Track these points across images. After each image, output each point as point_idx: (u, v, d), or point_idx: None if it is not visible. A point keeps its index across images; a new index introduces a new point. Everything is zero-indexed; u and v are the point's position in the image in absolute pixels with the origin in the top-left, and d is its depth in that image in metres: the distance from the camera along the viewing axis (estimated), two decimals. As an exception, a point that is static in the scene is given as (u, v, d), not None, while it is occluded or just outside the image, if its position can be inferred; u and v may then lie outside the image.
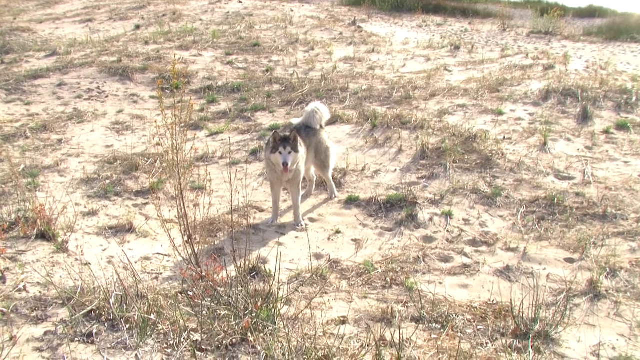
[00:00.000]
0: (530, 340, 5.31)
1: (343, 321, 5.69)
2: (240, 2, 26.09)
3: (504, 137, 10.50)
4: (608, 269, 6.74)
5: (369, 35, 20.29)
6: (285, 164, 7.79)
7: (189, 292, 5.58)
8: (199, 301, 5.25)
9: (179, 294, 5.76)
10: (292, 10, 24.58)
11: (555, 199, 8.39)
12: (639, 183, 8.94)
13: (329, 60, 16.65)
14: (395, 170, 9.56)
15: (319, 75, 14.88)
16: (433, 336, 5.39)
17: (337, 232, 7.95)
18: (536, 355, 5.15)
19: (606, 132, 10.81)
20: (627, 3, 26.53)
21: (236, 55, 16.96)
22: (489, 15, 25.81)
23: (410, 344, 4.99)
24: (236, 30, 20.09)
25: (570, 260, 7.11)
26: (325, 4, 27.75)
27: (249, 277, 6.04)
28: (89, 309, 5.11)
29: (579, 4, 26.68)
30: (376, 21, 23.93)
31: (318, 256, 7.25)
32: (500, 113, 11.63)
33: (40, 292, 5.65)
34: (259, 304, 5.18)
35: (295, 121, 9.12)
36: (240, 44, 18.15)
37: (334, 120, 11.44)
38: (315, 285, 6.46)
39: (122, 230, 7.76)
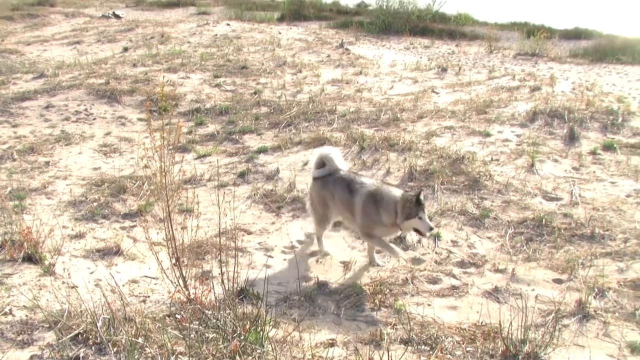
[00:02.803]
0: (519, 361, 5.31)
1: (331, 344, 5.67)
2: (228, 24, 26.18)
3: (492, 158, 10.52)
4: (596, 290, 6.75)
5: (357, 57, 20.36)
6: (431, 229, 7.16)
7: (177, 315, 5.55)
8: (187, 324, 5.22)
9: (166, 317, 5.73)
10: (280, 33, 24.65)
11: (543, 220, 8.40)
12: (626, 203, 8.97)
13: (317, 83, 16.68)
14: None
15: (307, 97, 14.91)
16: (422, 358, 5.39)
17: (325, 254, 7.94)
18: (526, 376, 5.16)
19: (593, 152, 10.85)
20: (612, 25, 26.68)
21: (224, 78, 16.97)
22: (475, 37, 25.94)
23: (399, 366, 4.98)
24: (224, 53, 20.12)
25: (558, 281, 7.12)
26: (313, 27, 27.89)
27: (237, 300, 6.01)
28: (76, 332, 5.07)
29: (565, 26, 26.85)
30: (364, 43, 24.00)
31: (306, 278, 7.23)
32: (488, 135, 11.65)
33: (26, 315, 5.60)
34: (247, 326, 5.16)
35: (322, 154, 8.04)
36: (228, 67, 18.18)
37: (321, 143, 11.45)
38: (303, 308, 6.45)
39: (109, 253, 7.72)
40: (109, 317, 5.22)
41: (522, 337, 5.54)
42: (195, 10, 34.52)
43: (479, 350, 5.58)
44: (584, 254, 7.65)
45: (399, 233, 7.64)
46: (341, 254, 7.98)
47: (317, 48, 21.70)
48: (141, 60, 18.99)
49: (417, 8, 28.69)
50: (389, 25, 27.20)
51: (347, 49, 21.72)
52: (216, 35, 23.76)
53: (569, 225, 8.38)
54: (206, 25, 25.79)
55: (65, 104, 14.50)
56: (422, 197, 7.05)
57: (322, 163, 7.89)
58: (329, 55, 20.56)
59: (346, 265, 7.66)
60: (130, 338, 4.90)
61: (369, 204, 7.30)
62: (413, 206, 6.95)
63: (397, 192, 7.27)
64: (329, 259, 7.82)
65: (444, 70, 18.32)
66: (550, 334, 5.63)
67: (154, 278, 7.10)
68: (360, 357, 5.07)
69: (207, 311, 5.44)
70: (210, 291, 5.87)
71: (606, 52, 21.38)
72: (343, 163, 8.00)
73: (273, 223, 8.89)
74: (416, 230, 7.13)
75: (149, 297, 6.64)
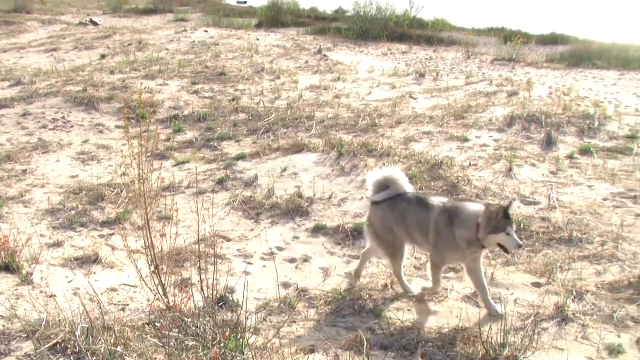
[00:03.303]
0: (499, 365, 5.33)
1: (312, 350, 5.67)
2: (206, 31, 26.15)
3: (470, 163, 10.57)
4: (575, 293, 6.78)
5: (335, 63, 20.38)
6: (520, 246, 6.45)
7: (157, 324, 5.53)
8: (167, 332, 5.20)
9: (146, 326, 5.70)
10: (258, 39, 24.66)
11: (522, 224, 8.42)
12: (603, 207, 9.02)
13: (295, 89, 16.68)
14: (362, 198, 9.56)
15: (285, 104, 14.91)
16: (402, 364, 5.40)
17: (305, 260, 7.94)
18: (506, 380, 5.18)
19: (570, 157, 10.91)
20: (588, 30, 26.88)
21: (202, 85, 16.95)
22: (453, 43, 26.05)
23: (379, 371, 4.98)
24: (202, 60, 20.10)
25: (537, 285, 7.15)
26: (291, 33, 27.91)
27: (216, 308, 6.00)
28: (54, 342, 5.04)
29: (541, 31, 27.01)
30: (342, 50, 24.06)
31: (286, 285, 7.22)
32: (466, 140, 11.70)
33: (3, 325, 5.56)
34: (227, 334, 5.14)
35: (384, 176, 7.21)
36: (207, 73, 18.15)
37: (300, 149, 11.47)
38: (283, 315, 6.44)
39: (88, 261, 7.68)
40: (87, 326, 5.19)
41: (502, 341, 5.57)
42: (173, 17, 34.47)
43: (459, 355, 5.61)
44: (562, 258, 7.68)
45: (478, 253, 6.69)
46: (321, 260, 7.98)
47: (296, 54, 21.71)
48: (119, 68, 18.92)
49: (394, 14, 28.77)
50: (366, 32, 27.28)
51: (325, 55, 21.75)
52: (194, 42, 23.72)
53: (547, 229, 8.41)
54: (184, 32, 25.74)
55: (43, 111, 14.41)
56: (510, 210, 6.36)
57: (383, 186, 7.06)
58: (307, 62, 20.57)
59: (326, 271, 7.66)
60: (109, 347, 4.88)
61: (443, 220, 6.62)
62: (501, 219, 6.25)
63: (478, 205, 6.64)
64: (308, 265, 7.82)
65: (422, 76, 18.36)
66: (529, 337, 5.65)
67: (133, 286, 7.07)
68: (341, 363, 5.07)
69: (186, 319, 5.42)
70: (189, 299, 5.86)
71: (582, 57, 21.55)
72: (409, 184, 7.19)
73: (252, 230, 8.88)
74: (500, 246, 6.40)
75: (128, 305, 6.61)
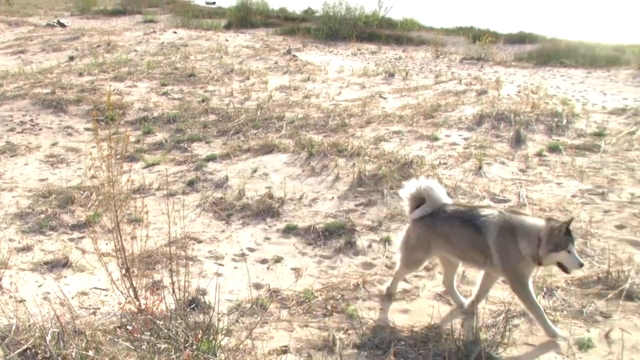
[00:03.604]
0: (471, 362, 5.37)
1: (284, 351, 5.68)
2: (175, 32, 26.08)
3: (440, 162, 10.61)
4: (545, 289, 6.83)
5: (304, 64, 20.39)
6: (581, 265, 5.98)
7: (128, 327, 5.51)
8: (138, 335, 5.19)
9: (117, 329, 5.68)
10: (227, 40, 24.62)
11: (492, 223, 8.48)
12: (571, 204, 9.09)
13: (265, 90, 16.67)
14: (333, 198, 9.59)
15: (255, 104, 14.90)
16: (375, 362, 5.42)
17: (277, 261, 7.93)
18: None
19: (539, 154, 11.00)
20: (556, 29, 27.09)
21: (172, 86, 16.89)
22: (422, 42, 26.16)
23: (352, 371, 5.00)
24: (171, 61, 20.04)
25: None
26: (260, 34, 27.90)
27: (188, 310, 5.99)
28: (24, 347, 5.01)
29: (509, 30, 27.18)
30: (311, 50, 24.08)
31: (258, 286, 7.20)
32: (436, 139, 11.75)
33: (-27, 331, 5.52)
34: (200, 336, 5.14)
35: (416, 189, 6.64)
36: (176, 75, 18.10)
37: (270, 150, 11.47)
38: (255, 316, 6.43)
39: (58, 265, 7.62)
40: (58, 330, 5.17)
41: (474, 338, 5.61)
42: (141, 19, 34.34)
43: (432, 353, 5.63)
44: (532, 255, 7.74)
45: (535, 271, 6.37)
46: (292, 260, 7.97)
47: (265, 55, 21.71)
48: (87, 69, 18.82)
49: (363, 14, 28.84)
50: (336, 32, 27.32)
51: (294, 56, 21.76)
52: (163, 43, 23.65)
53: (517, 226, 8.46)
54: (153, 34, 25.66)
55: (10, 114, 14.30)
56: (571, 226, 5.92)
57: (418, 199, 6.56)
58: (276, 62, 20.57)
59: (297, 271, 7.65)
60: (80, 351, 4.85)
61: (505, 238, 6.08)
62: (563, 236, 5.84)
63: (537, 219, 6.17)
64: (280, 266, 7.81)
65: (392, 75, 18.41)
66: (500, 334, 5.72)
67: (104, 289, 7.03)
68: (313, 363, 5.08)
69: (158, 321, 5.41)
70: (161, 301, 5.83)
71: (550, 55, 21.72)
72: (446, 195, 6.70)
73: (223, 231, 8.86)
74: (559, 266, 5.99)
75: (99, 309, 6.57)
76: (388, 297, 6.89)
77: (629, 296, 6.65)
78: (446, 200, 6.57)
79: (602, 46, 22.56)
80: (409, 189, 6.61)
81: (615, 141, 11.59)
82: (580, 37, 24.97)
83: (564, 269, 5.98)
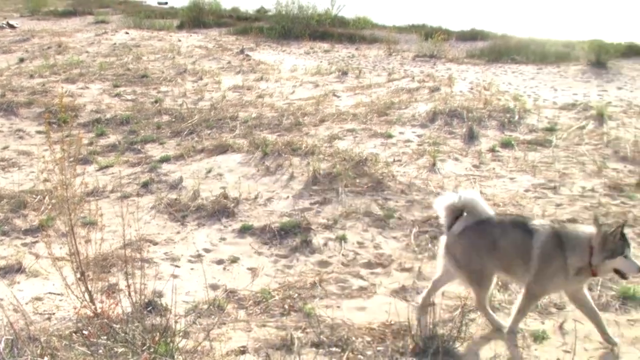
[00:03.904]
0: (429, 357, 5.42)
1: (242, 351, 5.68)
2: (127, 33, 25.90)
3: (394, 159, 10.68)
4: (500, 283, 6.91)
5: (258, 63, 20.38)
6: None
7: (84, 331, 5.47)
8: (95, 340, 5.15)
9: (73, 334, 5.63)
10: (180, 40, 24.51)
11: (446, 218, 8.56)
12: (525, 198, 9.22)
13: (218, 90, 16.64)
14: (288, 197, 9.60)
15: (209, 104, 14.87)
16: (333, 360, 5.44)
17: (233, 261, 7.91)
18: (435, 371, 5.26)
19: (492, 150, 11.13)
20: (507, 26, 27.34)
21: (124, 87, 16.79)
22: (375, 40, 26.22)
23: (310, 370, 5.01)
24: (123, 62, 19.91)
25: (463, 277, 7.27)
26: (213, 34, 27.77)
27: (145, 312, 5.96)
28: (-23, 355, 4.95)
29: (461, 27, 27.39)
30: (264, 49, 24.04)
31: (214, 287, 7.18)
32: (390, 136, 11.83)
33: None
34: (157, 338, 5.12)
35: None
36: (128, 76, 17.99)
37: (224, 150, 11.45)
38: (213, 317, 6.41)
39: (10, 270, 7.52)
40: (11, 337, 5.11)
41: (431, 334, 5.67)
42: (93, 19, 33.90)
43: (390, 349, 5.67)
44: (486, 250, 7.83)
45: (583, 282, 5.95)
46: (248, 260, 7.96)
47: (218, 55, 21.66)
48: (38, 71, 18.60)
49: (316, 13, 28.83)
50: (288, 31, 27.27)
51: (247, 55, 21.73)
52: (115, 44, 23.48)
53: (471, 222, 8.56)
54: (104, 35, 25.44)
55: (-41, 118, 14.10)
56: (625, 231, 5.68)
57: (457, 211, 6.20)
58: (229, 62, 20.53)
59: (254, 271, 7.64)
60: (35, 358, 4.81)
61: (552, 246, 5.81)
62: (618, 241, 5.58)
63: (587, 227, 5.93)
64: (236, 266, 7.80)
65: (345, 73, 18.48)
66: (457, 328, 5.78)
67: (58, 294, 6.96)
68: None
69: (114, 325, 5.38)
70: (117, 304, 5.80)
71: (501, 52, 21.94)
72: (488, 207, 6.32)
73: (178, 232, 8.82)
74: (616, 272, 5.73)
75: (54, 314, 6.51)
76: (500, 327, 6.19)
77: (582, 288, 6.77)
78: (490, 211, 6.24)
79: (552, 43, 22.83)
80: (447, 200, 6.23)
81: (566, 136, 11.79)
82: (531, 34, 25.25)
83: (622, 275, 5.76)
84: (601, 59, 19.29)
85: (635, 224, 8.42)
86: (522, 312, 6.01)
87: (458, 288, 6.91)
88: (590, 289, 6.52)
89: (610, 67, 18.98)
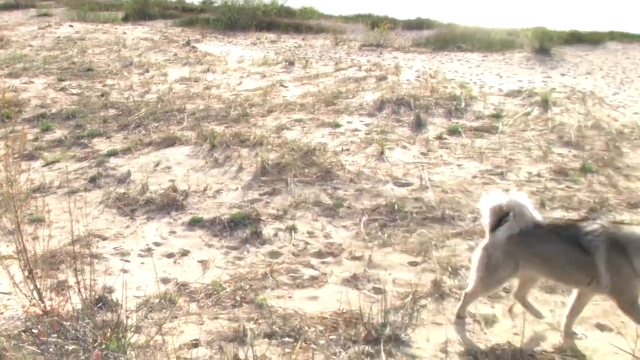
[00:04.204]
0: (382, 344, 5.45)
1: (195, 344, 5.66)
2: (72, 26, 25.58)
3: (343, 149, 10.72)
4: (450, 269, 7.01)
5: (204, 55, 20.29)
6: None
7: (34, 330, 5.41)
8: (45, 339, 5.10)
9: (22, 333, 5.56)
10: (125, 33, 24.27)
11: (396, 206, 8.62)
12: (473, 184, 9.33)
13: (165, 82, 16.52)
14: (237, 188, 9.57)
15: (156, 97, 14.75)
16: (287, 350, 5.45)
17: (184, 255, 7.87)
18: (388, 358, 5.30)
19: (440, 138, 11.23)
20: (453, 15, 27.57)
21: (70, 81, 16.57)
22: (322, 30, 26.23)
23: (264, 361, 5.02)
24: (68, 56, 19.67)
25: (414, 264, 7.32)
26: (159, 26, 27.56)
27: (96, 309, 5.91)
28: None
29: (407, 16, 27.51)
30: (211, 41, 23.92)
31: (166, 281, 7.13)
32: (338, 126, 11.86)
33: None
34: (109, 335, 5.08)
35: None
36: (74, 70, 17.77)
37: (172, 143, 11.38)
38: (164, 311, 6.38)
39: (-44, 271, 7.42)
40: (-41, 338, 5.04)
41: (383, 321, 5.71)
42: (36, 13, 33.35)
43: (342, 338, 5.69)
44: (436, 236, 7.90)
45: None
46: (199, 253, 7.93)
47: (164, 47, 21.50)
48: (-21, 68, 18.31)
49: (262, 3, 28.76)
50: (235, 22, 27.15)
51: (194, 47, 21.62)
52: (59, 37, 23.17)
53: (420, 209, 8.63)
54: (49, 28, 25.10)
55: None
56: None
57: (501, 215, 5.88)
58: (176, 54, 20.40)
59: (205, 264, 7.62)
60: (-17, 358, 4.75)
61: (617, 255, 5.37)
62: None
63: None
64: (187, 260, 7.76)
65: (292, 64, 18.47)
66: (409, 315, 5.85)
67: (6, 293, 6.85)
68: (225, 356, 5.08)
69: (65, 323, 5.33)
70: (67, 302, 5.74)
71: (447, 40, 22.13)
72: (536, 211, 5.92)
73: (128, 227, 8.74)
74: None
75: (2, 314, 6.41)
76: (460, 320, 6.16)
77: (530, 272, 6.87)
78: (538, 217, 5.86)
79: (497, 31, 23.08)
80: (492, 201, 5.91)
81: (512, 122, 11.94)
82: (477, 22, 25.46)
83: None
84: (545, 46, 19.59)
85: (581, 208, 8.59)
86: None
87: (409, 275, 6.98)
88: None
89: (554, 54, 19.28)
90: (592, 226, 5.58)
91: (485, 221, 5.99)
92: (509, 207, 5.77)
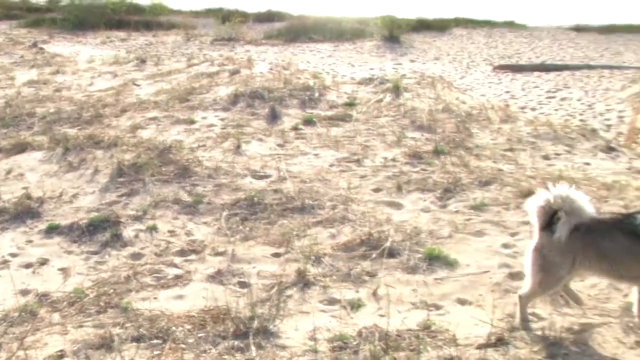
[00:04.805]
0: (250, 337, 5.48)
1: (61, 355, 5.52)
2: None
3: (199, 144, 10.69)
4: (313, 257, 7.09)
5: (53, 56, 19.84)
6: None
7: None
8: None
9: None
10: (-35, 37, 23.42)
11: (255, 199, 8.66)
12: (330, 173, 9.48)
13: (12, 86, 16.06)
14: (94, 191, 9.39)
15: (3, 102, 14.28)
16: (156, 352, 5.40)
17: (42, 263, 7.64)
18: (258, 351, 5.32)
19: (295, 128, 11.36)
20: (303, 6, 27.94)
21: None
22: (172, 26, 26.11)
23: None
24: None
25: (277, 255, 7.37)
26: (3, 27, 26.78)
27: (-50, 327, 5.70)
28: None
29: (258, 9, 27.68)
30: (59, 41, 23.42)
31: (25, 292, 6.90)
32: (192, 122, 11.84)
33: None
34: (-35, 353, 4.92)
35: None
36: None
37: (23, 148, 11.05)
38: (25, 324, 6.19)
39: None
40: None
41: (250, 314, 5.73)
42: None
43: (211, 334, 5.67)
44: (297, 226, 7.98)
45: None
46: (58, 261, 7.73)
47: (9, 49, 20.88)
48: None
49: (110, 1, 28.32)
50: (83, 21, 26.67)
51: (41, 48, 21.12)
52: None
53: (280, 200, 8.69)
54: None
55: None
56: None
57: (550, 213, 5.52)
58: (22, 56, 19.85)
59: (65, 271, 7.43)
60: None
61: None
62: None
63: None
64: (46, 268, 7.55)
65: (143, 61, 18.30)
66: (276, 306, 5.89)
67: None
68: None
69: None
70: None
71: (299, 32, 22.41)
72: (589, 204, 5.53)
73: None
74: None
75: None
76: (526, 323, 5.69)
77: (391, 253, 7.08)
78: (590, 209, 5.52)
79: (347, 20, 23.55)
80: (540, 200, 5.54)
81: (365, 110, 12.20)
82: (327, 12, 25.85)
83: None
84: (394, 34, 20.12)
85: (435, 189, 8.86)
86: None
87: (272, 266, 7.03)
88: (398, 254, 6.86)
89: (403, 41, 19.83)
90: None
91: (533, 221, 5.69)
92: (557, 204, 5.45)
